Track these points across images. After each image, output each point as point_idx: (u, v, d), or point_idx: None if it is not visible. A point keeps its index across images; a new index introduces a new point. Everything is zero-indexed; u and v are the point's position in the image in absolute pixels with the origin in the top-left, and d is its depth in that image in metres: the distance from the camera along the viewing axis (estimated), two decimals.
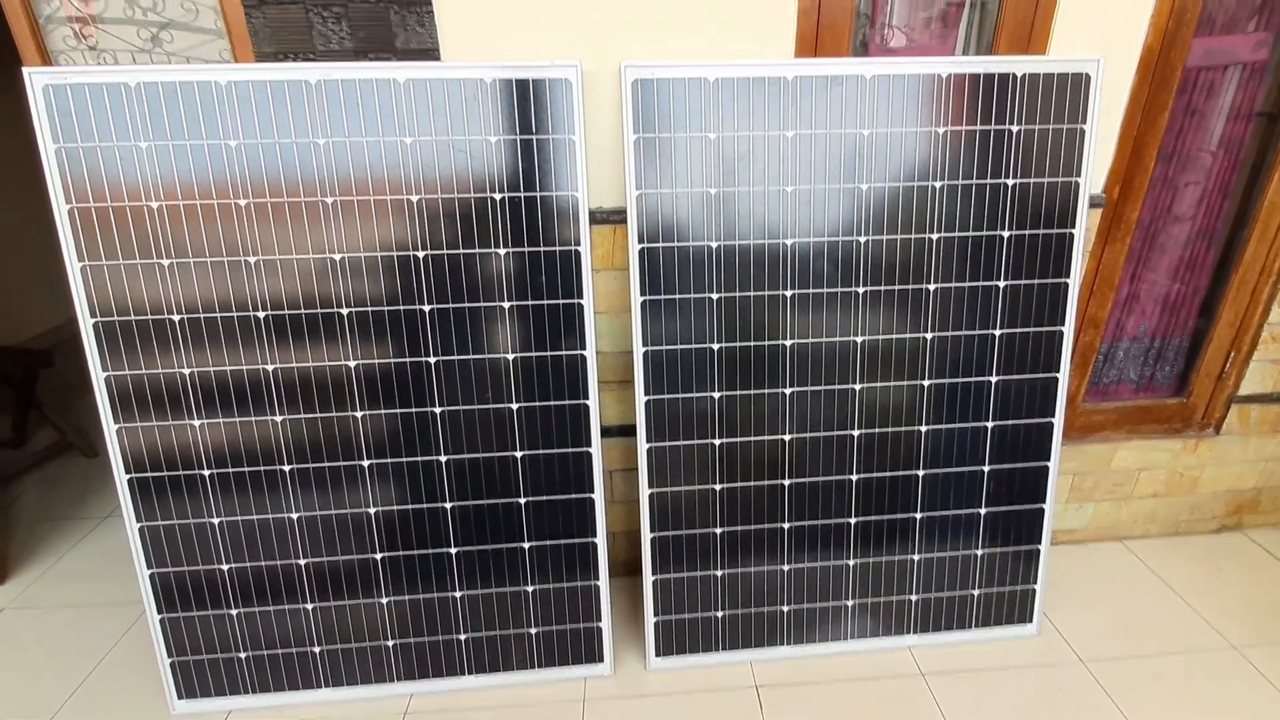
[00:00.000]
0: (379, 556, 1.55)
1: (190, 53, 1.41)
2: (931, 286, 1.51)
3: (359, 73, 1.30)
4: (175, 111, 1.30)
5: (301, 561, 1.54)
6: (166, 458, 1.46)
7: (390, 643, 1.59)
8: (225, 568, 1.52)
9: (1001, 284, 1.52)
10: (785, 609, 1.66)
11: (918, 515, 1.64)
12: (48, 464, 2.69)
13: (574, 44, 1.40)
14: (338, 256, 1.39)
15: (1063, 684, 1.60)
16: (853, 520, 1.62)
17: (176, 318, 1.39)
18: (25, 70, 1.28)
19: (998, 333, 1.54)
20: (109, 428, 1.43)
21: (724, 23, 1.41)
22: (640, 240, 1.43)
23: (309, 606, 1.56)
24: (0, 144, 3.45)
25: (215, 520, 1.50)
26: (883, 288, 1.49)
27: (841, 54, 1.50)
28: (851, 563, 1.65)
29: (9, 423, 2.72)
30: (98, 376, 1.40)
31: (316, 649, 1.58)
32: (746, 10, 1.41)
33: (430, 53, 1.36)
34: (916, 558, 1.66)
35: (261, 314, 1.40)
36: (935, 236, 1.48)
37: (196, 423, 1.45)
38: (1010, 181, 1.47)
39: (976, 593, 1.70)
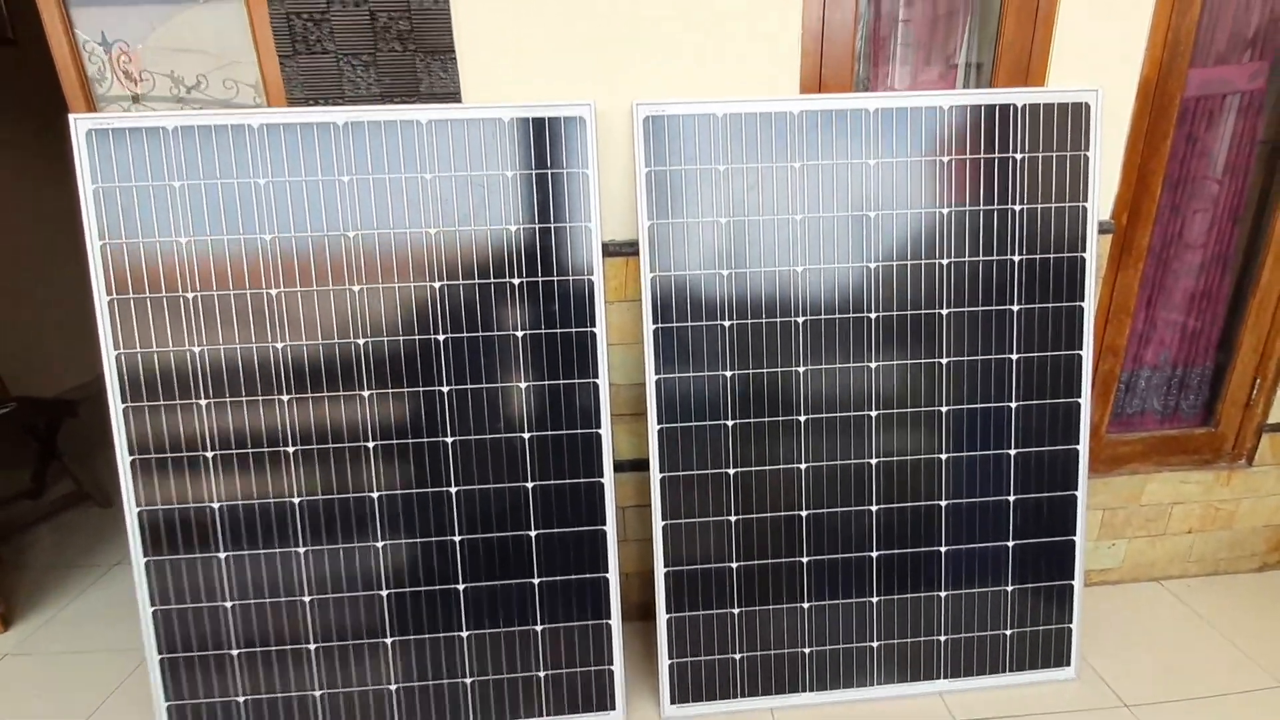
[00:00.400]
0: (385, 593, 1.51)
1: None
2: (944, 311, 1.50)
3: (384, 114, 1.37)
4: (209, 152, 1.36)
5: (307, 599, 1.50)
6: (178, 490, 1.46)
7: (393, 687, 1.53)
8: (229, 604, 1.49)
9: (1015, 308, 1.52)
10: (807, 651, 1.59)
11: (942, 549, 1.58)
12: (62, 514, 2.69)
13: (588, 87, 1.47)
14: (357, 288, 1.42)
15: None
16: (874, 554, 1.57)
17: (197, 349, 1.42)
18: (71, 116, 1.35)
19: (1015, 357, 1.53)
20: (123, 460, 1.43)
21: (730, 69, 1.48)
22: (652, 269, 1.45)
23: (311, 647, 1.51)
24: (41, 204, 3.63)
25: (222, 555, 1.48)
26: (895, 313, 1.49)
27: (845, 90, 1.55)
28: (875, 600, 1.58)
29: (28, 473, 2.74)
30: (116, 409, 1.42)
31: (317, 693, 1.53)
32: (751, 57, 1.48)
33: (453, 96, 1.43)
34: (943, 594, 1.59)
35: (280, 344, 1.43)
36: (945, 262, 1.49)
37: (210, 455, 1.45)
38: (1017, 207, 1.49)
39: (1009, 633, 1.62)
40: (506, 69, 1.45)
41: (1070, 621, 1.62)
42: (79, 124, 1.36)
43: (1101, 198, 1.61)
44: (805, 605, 1.57)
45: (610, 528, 1.51)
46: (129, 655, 1.85)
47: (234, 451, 1.45)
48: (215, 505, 1.47)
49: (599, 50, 1.45)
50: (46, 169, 3.60)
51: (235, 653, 1.51)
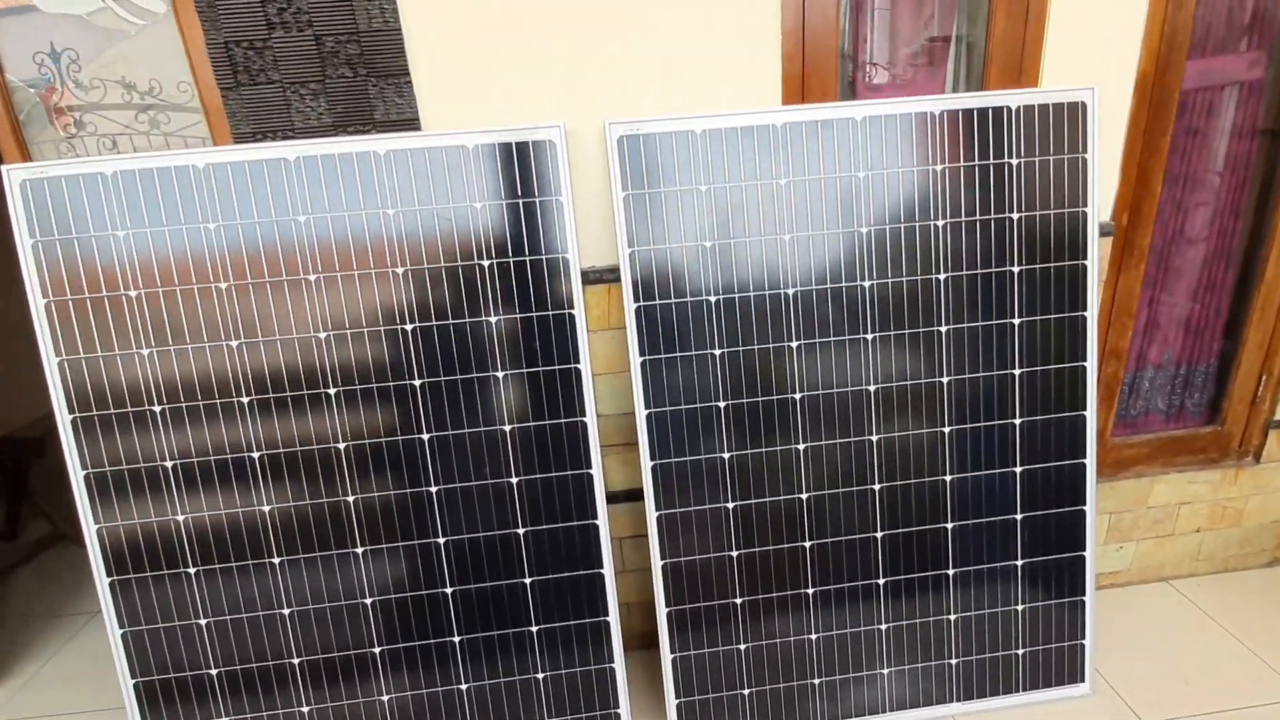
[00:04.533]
0: (378, 650, 1.44)
1: (186, 133, 1.38)
2: (943, 328, 1.44)
3: (338, 147, 1.28)
4: (153, 197, 1.27)
5: (286, 611, 1.42)
6: (150, 556, 1.38)
7: (385, 698, 1.47)
8: (203, 621, 1.42)
9: (1016, 321, 1.45)
10: (816, 682, 1.54)
11: (950, 571, 1.53)
12: (40, 555, 2.60)
13: (556, 105, 1.37)
14: (323, 335, 1.33)
15: None
16: (881, 581, 1.51)
17: (158, 409, 1.33)
18: (3, 168, 1.25)
19: (1017, 372, 1.47)
20: (76, 476, 1.35)
21: (707, 77, 1.39)
22: (636, 299, 1.37)
23: (295, 661, 1.44)
24: None
25: (191, 570, 1.40)
26: (892, 332, 1.43)
27: (829, 96, 1.47)
28: (884, 627, 1.53)
29: (1, 514, 2.65)
30: (76, 474, 1.33)
31: (305, 709, 1.46)
32: (730, 63, 1.39)
33: (411, 123, 1.34)
34: (953, 618, 1.54)
35: (245, 399, 1.34)
36: (942, 276, 1.42)
37: (181, 518, 1.37)
38: (1015, 215, 1.42)
39: (1021, 652, 1.57)
40: (467, 91, 1.35)
41: (1083, 637, 1.58)
42: (12, 175, 1.26)
43: (1101, 199, 1.54)
44: (813, 636, 1.52)
45: (608, 569, 1.45)
46: (115, 715, 1.78)
47: (206, 513, 1.37)
48: (180, 518, 1.38)
49: (565, 66, 1.36)
50: None
51: (214, 672, 1.44)
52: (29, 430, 3.34)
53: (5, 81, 1.34)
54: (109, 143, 1.39)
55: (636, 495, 1.67)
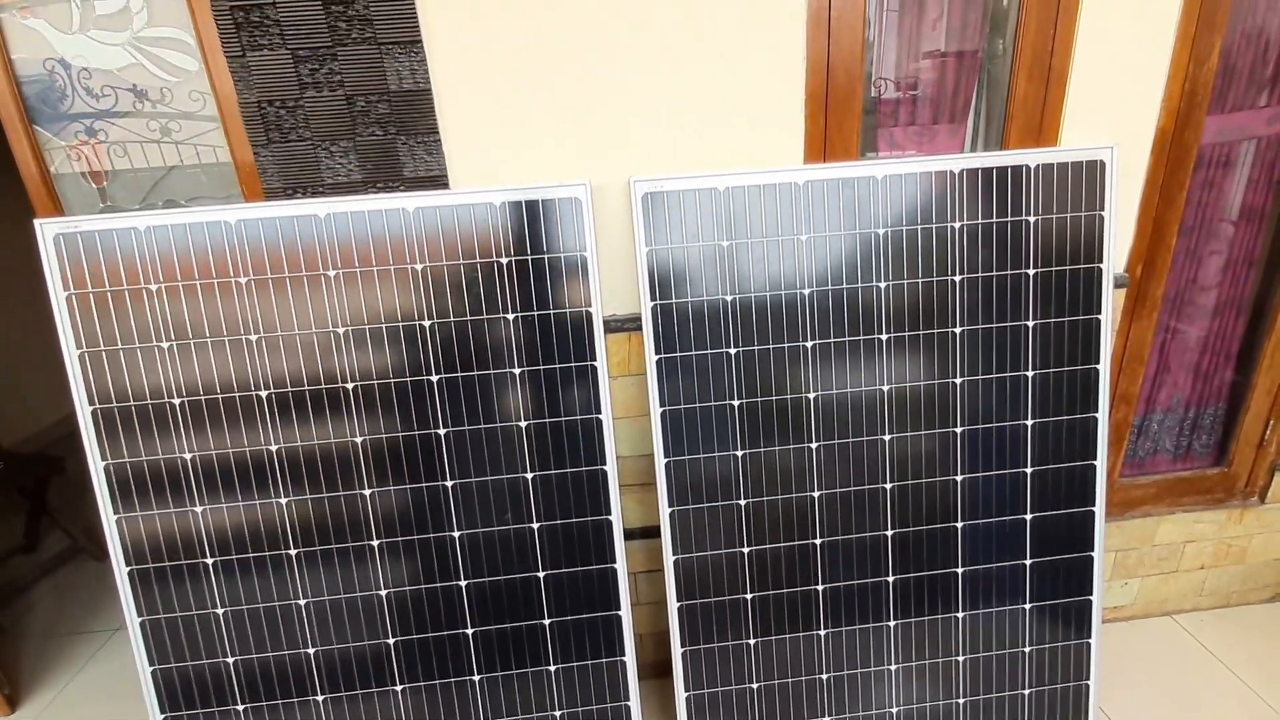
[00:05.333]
0: (399, 688, 1.48)
1: (197, 140, 1.40)
2: (958, 380, 1.46)
3: (368, 204, 1.30)
4: (185, 251, 1.29)
5: (311, 650, 1.46)
6: (168, 547, 1.40)
7: None
8: (231, 660, 1.46)
9: (1030, 374, 1.48)
10: None
11: (959, 614, 1.56)
12: (59, 570, 2.65)
13: (581, 162, 1.39)
14: (351, 385, 1.36)
15: None
16: (892, 623, 1.55)
17: (188, 456, 1.37)
18: (37, 222, 1.28)
19: (1030, 423, 1.49)
20: (108, 519, 1.38)
21: (728, 135, 1.41)
22: (658, 351, 1.40)
23: (320, 698, 1.48)
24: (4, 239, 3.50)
25: (220, 611, 1.44)
26: (908, 384, 1.45)
27: (850, 141, 1.48)
28: (893, 668, 1.57)
29: (20, 529, 2.69)
30: (97, 466, 1.36)
31: None
32: (750, 122, 1.40)
33: (438, 179, 1.36)
34: (961, 659, 1.58)
35: (282, 485, 1.37)
36: (958, 330, 1.45)
37: (199, 509, 1.40)
38: (1031, 271, 1.44)
39: (1027, 692, 1.61)
40: (494, 148, 1.37)
41: (1088, 678, 1.62)
42: (46, 229, 1.29)
43: (1116, 252, 1.56)
44: (824, 676, 1.56)
45: (624, 610, 1.49)
46: None
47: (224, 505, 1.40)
48: (209, 561, 1.42)
49: (591, 124, 1.37)
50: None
51: (241, 708, 1.48)
52: (53, 430, 3.39)
53: (29, 130, 1.36)
54: (119, 150, 1.40)
55: (652, 533, 1.70)
